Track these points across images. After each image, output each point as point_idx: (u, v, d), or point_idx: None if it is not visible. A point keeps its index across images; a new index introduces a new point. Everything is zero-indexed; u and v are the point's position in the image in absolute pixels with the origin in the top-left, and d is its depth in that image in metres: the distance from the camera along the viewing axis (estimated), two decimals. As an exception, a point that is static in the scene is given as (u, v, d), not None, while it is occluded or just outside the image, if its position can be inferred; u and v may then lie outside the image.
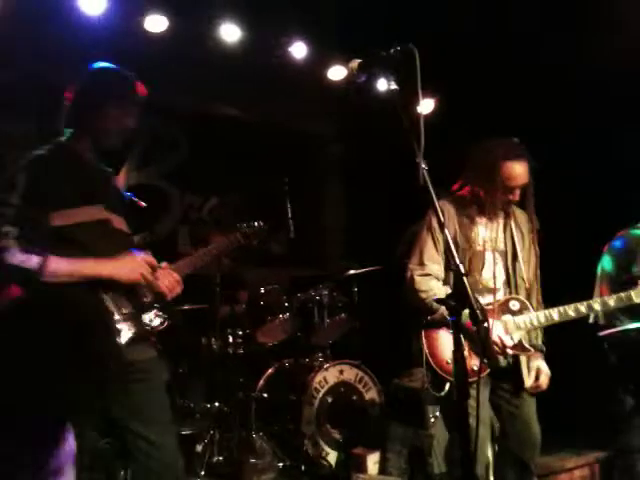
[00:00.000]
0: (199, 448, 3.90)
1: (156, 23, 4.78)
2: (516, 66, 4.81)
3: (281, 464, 3.96)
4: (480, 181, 3.01)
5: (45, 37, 4.54)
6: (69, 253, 2.35)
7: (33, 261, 2.28)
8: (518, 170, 2.94)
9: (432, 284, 2.97)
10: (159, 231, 5.51)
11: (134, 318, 2.43)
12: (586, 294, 3.01)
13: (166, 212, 5.67)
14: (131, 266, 2.43)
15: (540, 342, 3.05)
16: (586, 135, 4.64)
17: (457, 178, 3.19)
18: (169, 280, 2.55)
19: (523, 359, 2.98)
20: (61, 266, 2.32)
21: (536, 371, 2.98)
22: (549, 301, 3.06)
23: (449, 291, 2.09)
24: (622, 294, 2.95)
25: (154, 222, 5.46)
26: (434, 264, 3.00)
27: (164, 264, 2.64)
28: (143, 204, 3.50)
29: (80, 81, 2.61)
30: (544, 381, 2.98)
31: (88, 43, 4.31)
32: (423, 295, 2.96)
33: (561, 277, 3.75)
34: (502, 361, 2.98)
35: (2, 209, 2.32)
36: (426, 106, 5.51)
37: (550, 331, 3.05)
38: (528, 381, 2.96)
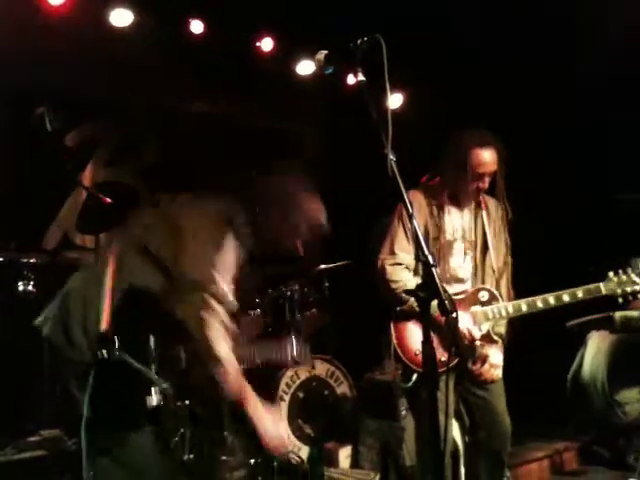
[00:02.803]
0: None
1: (121, 18, 4.71)
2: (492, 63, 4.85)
3: (253, 460, 3.93)
4: (451, 169, 3.04)
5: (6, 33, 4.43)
6: None
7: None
8: (487, 157, 2.97)
9: (403, 275, 2.98)
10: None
11: None
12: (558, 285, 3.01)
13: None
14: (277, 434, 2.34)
15: (503, 331, 3.05)
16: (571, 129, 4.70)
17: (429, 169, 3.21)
18: None
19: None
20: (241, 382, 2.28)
21: (483, 357, 2.98)
22: (524, 291, 3.06)
23: (419, 282, 2.08)
24: (591, 286, 2.93)
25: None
26: (405, 253, 3.00)
27: None
28: (108, 200, 3.45)
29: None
30: (486, 369, 2.97)
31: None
32: (394, 285, 2.96)
33: (535, 267, 3.77)
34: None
35: (219, 275, 2.15)
36: (394, 99, 5.52)
37: (516, 321, 3.05)
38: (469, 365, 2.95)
